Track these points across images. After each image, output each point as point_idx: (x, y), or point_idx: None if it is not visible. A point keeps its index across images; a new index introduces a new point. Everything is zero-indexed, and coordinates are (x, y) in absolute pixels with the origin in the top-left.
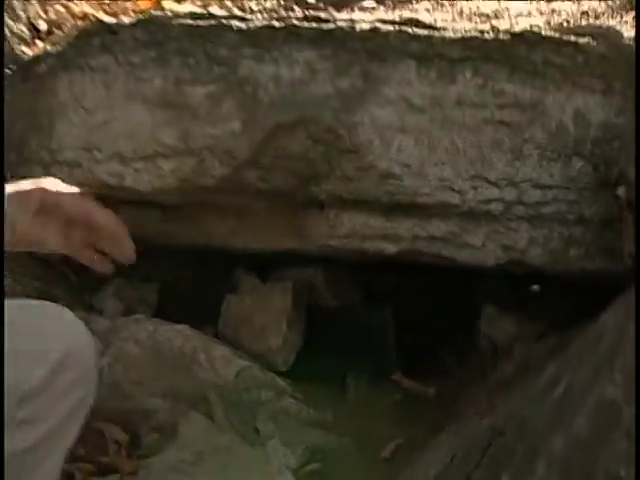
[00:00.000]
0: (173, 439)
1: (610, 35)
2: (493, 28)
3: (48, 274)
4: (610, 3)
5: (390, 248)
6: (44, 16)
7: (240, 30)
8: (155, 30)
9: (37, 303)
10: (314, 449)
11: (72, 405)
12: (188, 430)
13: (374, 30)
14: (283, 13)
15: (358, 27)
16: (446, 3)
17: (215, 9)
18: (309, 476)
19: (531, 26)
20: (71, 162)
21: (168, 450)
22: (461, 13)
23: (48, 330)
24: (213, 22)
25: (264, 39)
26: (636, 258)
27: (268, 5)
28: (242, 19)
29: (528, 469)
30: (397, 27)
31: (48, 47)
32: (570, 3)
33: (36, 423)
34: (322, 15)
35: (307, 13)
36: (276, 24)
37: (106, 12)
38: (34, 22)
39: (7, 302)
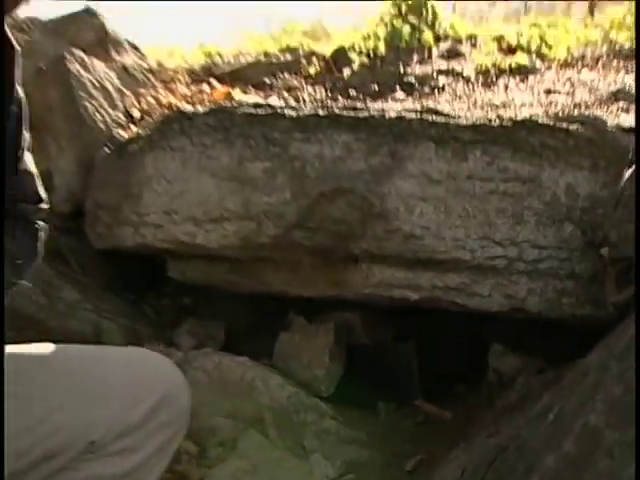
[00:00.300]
0: (233, 452)
1: (596, 123)
2: (499, 116)
3: (134, 313)
4: (598, 96)
5: (413, 296)
6: (137, 106)
7: (291, 117)
8: (223, 117)
9: (142, 351)
10: (350, 462)
11: (165, 440)
12: (246, 445)
13: (400, 117)
14: (329, 102)
15: (387, 115)
16: (463, 95)
17: (274, 99)
18: None
19: (531, 115)
20: (155, 223)
21: (229, 461)
22: (475, 103)
23: (150, 375)
24: (270, 111)
25: (311, 125)
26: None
27: (318, 96)
28: (293, 108)
29: None
30: (419, 115)
31: (139, 131)
32: (565, 96)
33: (134, 453)
34: (358, 105)
35: (346, 103)
36: (320, 112)
37: (187, 102)
38: (129, 111)
39: (116, 348)
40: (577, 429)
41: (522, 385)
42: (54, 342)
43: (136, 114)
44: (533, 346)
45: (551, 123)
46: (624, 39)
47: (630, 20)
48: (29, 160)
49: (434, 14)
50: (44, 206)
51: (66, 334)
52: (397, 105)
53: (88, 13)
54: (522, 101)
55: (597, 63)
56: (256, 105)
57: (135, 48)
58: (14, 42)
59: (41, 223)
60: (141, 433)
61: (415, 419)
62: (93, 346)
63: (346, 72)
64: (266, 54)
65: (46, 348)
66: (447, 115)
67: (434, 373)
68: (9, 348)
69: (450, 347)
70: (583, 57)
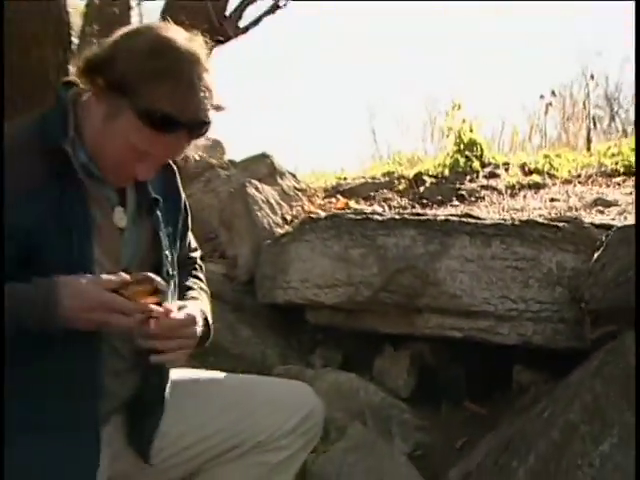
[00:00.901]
0: (344, 435)
1: (577, 222)
2: (512, 218)
3: (285, 344)
4: (584, 203)
5: (457, 334)
6: (290, 213)
7: (378, 220)
8: (336, 220)
9: (296, 382)
10: (419, 443)
11: (305, 443)
12: (353, 431)
13: (447, 220)
14: (409, 209)
15: (438, 218)
16: (496, 202)
17: (375, 207)
18: (416, 458)
19: (539, 215)
20: (295, 288)
21: (342, 441)
22: (503, 208)
23: (301, 397)
24: (364, 215)
25: (390, 224)
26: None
27: (403, 204)
28: (379, 214)
29: (525, 459)
30: (458, 218)
31: (289, 229)
32: (563, 202)
33: (284, 450)
34: (420, 211)
35: (414, 210)
36: (396, 216)
37: (321, 209)
38: (285, 216)
39: (279, 379)
40: (561, 423)
41: (532, 393)
42: (236, 372)
43: (288, 218)
44: (541, 366)
45: (545, 222)
46: (609, 163)
47: (615, 150)
48: (191, 236)
49: (481, 150)
50: (199, 252)
51: (243, 358)
52: (452, 210)
53: (264, 156)
54: (534, 206)
55: (588, 180)
56: (356, 212)
57: (293, 175)
58: (173, 165)
59: (199, 262)
60: (291, 437)
61: (464, 414)
62: (264, 377)
63: (422, 188)
64: (373, 177)
65: (235, 376)
66: (477, 217)
67: (477, 384)
68: (212, 374)
69: (488, 366)
70: (579, 176)
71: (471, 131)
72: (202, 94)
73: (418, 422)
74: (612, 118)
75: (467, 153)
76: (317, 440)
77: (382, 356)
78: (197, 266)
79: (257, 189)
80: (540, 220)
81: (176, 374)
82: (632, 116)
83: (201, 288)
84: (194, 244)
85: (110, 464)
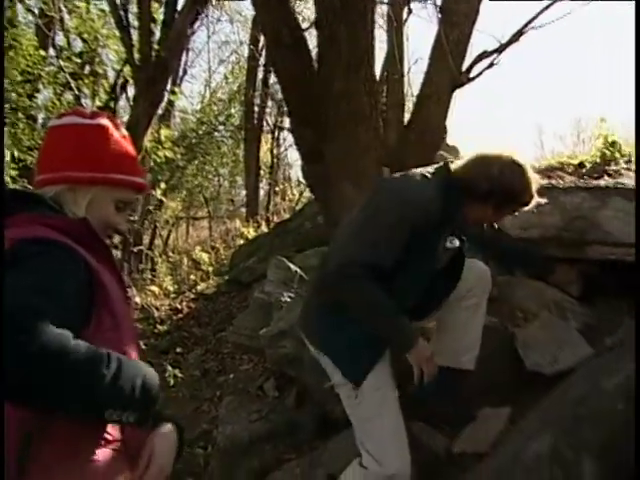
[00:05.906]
0: (537, 318)
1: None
2: None
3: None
4: None
5: (610, 257)
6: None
7: (560, 187)
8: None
9: (476, 261)
10: (584, 322)
11: (481, 295)
12: (543, 315)
13: (605, 186)
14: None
15: (599, 185)
16: (631, 176)
17: (554, 181)
18: (582, 332)
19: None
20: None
21: (536, 321)
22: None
23: (477, 269)
24: (551, 185)
25: (569, 190)
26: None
27: (572, 179)
28: (562, 184)
29: None
30: (612, 185)
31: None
32: None
33: (473, 298)
34: (586, 182)
35: (581, 181)
36: (572, 185)
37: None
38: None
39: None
40: None
41: None
42: None
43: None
44: None
45: None
46: None
47: None
48: None
49: (620, 146)
50: None
51: None
52: (607, 180)
53: None
54: None
55: None
56: (546, 184)
57: None
58: None
59: None
60: (473, 291)
61: (611, 305)
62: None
63: (583, 170)
64: (550, 165)
65: None
66: (623, 184)
67: (621, 287)
68: None
69: (627, 276)
70: None
71: (612, 134)
72: None
73: (583, 311)
74: None
75: (611, 148)
76: (488, 294)
77: (561, 270)
78: None
79: None
80: None
81: None
82: None
83: None
84: None
85: None
